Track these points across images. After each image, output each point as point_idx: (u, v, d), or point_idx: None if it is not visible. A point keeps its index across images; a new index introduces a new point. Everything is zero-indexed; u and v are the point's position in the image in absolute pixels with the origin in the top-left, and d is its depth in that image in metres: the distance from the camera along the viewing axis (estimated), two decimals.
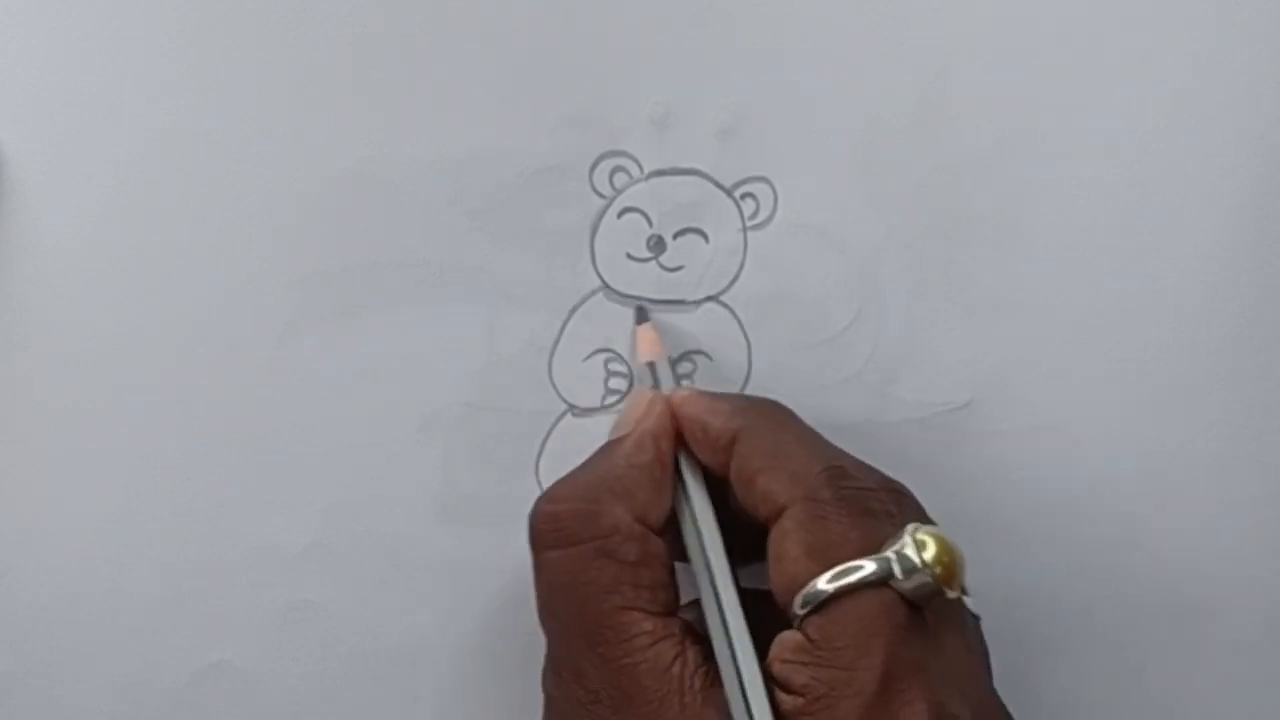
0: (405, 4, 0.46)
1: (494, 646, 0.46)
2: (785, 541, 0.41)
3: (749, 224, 0.47)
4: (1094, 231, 0.47)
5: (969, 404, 0.47)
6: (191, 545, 0.46)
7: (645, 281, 0.47)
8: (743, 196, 0.47)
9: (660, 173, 0.47)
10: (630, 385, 0.47)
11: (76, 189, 0.45)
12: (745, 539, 0.42)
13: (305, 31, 0.46)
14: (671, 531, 0.43)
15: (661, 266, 0.47)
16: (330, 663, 0.46)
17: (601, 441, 0.45)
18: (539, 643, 0.43)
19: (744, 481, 0.42)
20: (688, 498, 0.43)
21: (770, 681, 0.40)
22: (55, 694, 0.46)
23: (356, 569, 0.46)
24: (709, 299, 0.47)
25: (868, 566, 0.39)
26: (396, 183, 0.46)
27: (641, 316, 0.47)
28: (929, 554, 0.39)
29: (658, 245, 0.47)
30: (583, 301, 0.47)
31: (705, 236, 0.47)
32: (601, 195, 0.47)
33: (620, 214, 0.47)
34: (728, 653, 0.41)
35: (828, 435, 0.44)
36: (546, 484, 0.46)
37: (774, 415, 0.44)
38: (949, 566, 0.40)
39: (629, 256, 0.47)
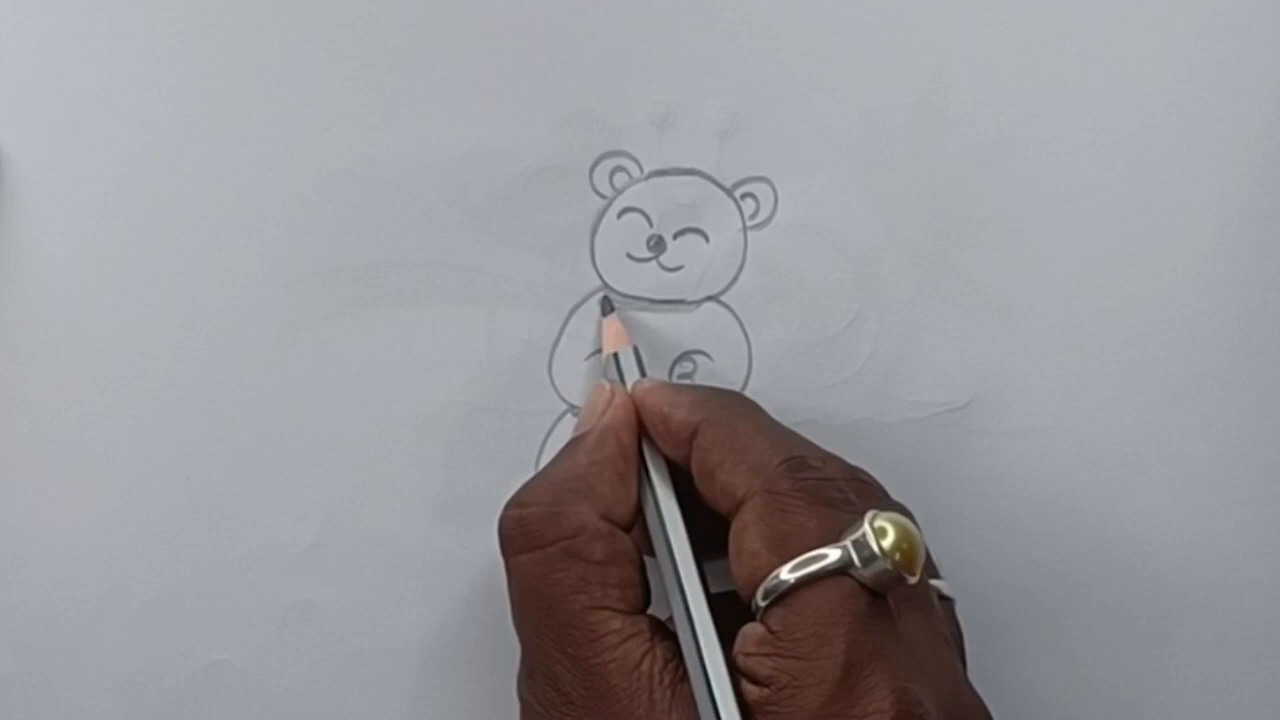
0: (405, 4, 0.46)
1: (494, 646, 0.46)
2: (745, 534, 0.41)
3: (749, 224, 0.47)
4: (1094, 231, 0.47)
5: (969, 404, 0.47)
6: (191, 545, 0.46)
7: (645, 281, 0.47)
8: (743, 196, 0.47)
9: (660, 173, 0.47)
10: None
11: (76, 189, 0.45)
12: (715, 532, 0.42)
13: (305, 31, 0.46)
14: (641, 527, 0.43)
15: (661, 266, 0.47)
16: (330, 663, 0.46)
17: None
18: None
19: (704, 474, 0.42)
20: (652, 491, 0.43)
21: (736, 674, 0.40)
22: (55, 694, 0.46)
23: (356, 569, 0.46)
24: (709, 299, 0.47)
25: (830, 555, 0.39)
26: (396, 183, 0.46)
27: (607, 308, 0.46)
28: (888, 541, 0.39)
29: (658, 245, 0.47)
30: (583, 301, 0.47)
31: (705, 236, 0.47)
32: (601, 195, 0.47)
33: (620, 214, 0.47)
34: (693, 647, 0.41)
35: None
36: None
37: (735, 407, 0.43)
38: (908, 553, 0.39)
39: (629, 256, 0.47)
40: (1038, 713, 0.48)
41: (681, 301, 0.47)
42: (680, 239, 0.47)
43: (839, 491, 0.41)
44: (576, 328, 0.47)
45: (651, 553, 0.43)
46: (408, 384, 0.46)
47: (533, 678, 0.42)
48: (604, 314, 0.46)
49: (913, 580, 0.40)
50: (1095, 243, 0.47)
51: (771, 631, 0.39)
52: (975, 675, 0.42)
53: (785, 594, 0.39)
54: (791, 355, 0.47)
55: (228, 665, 0.46)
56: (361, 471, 0.46)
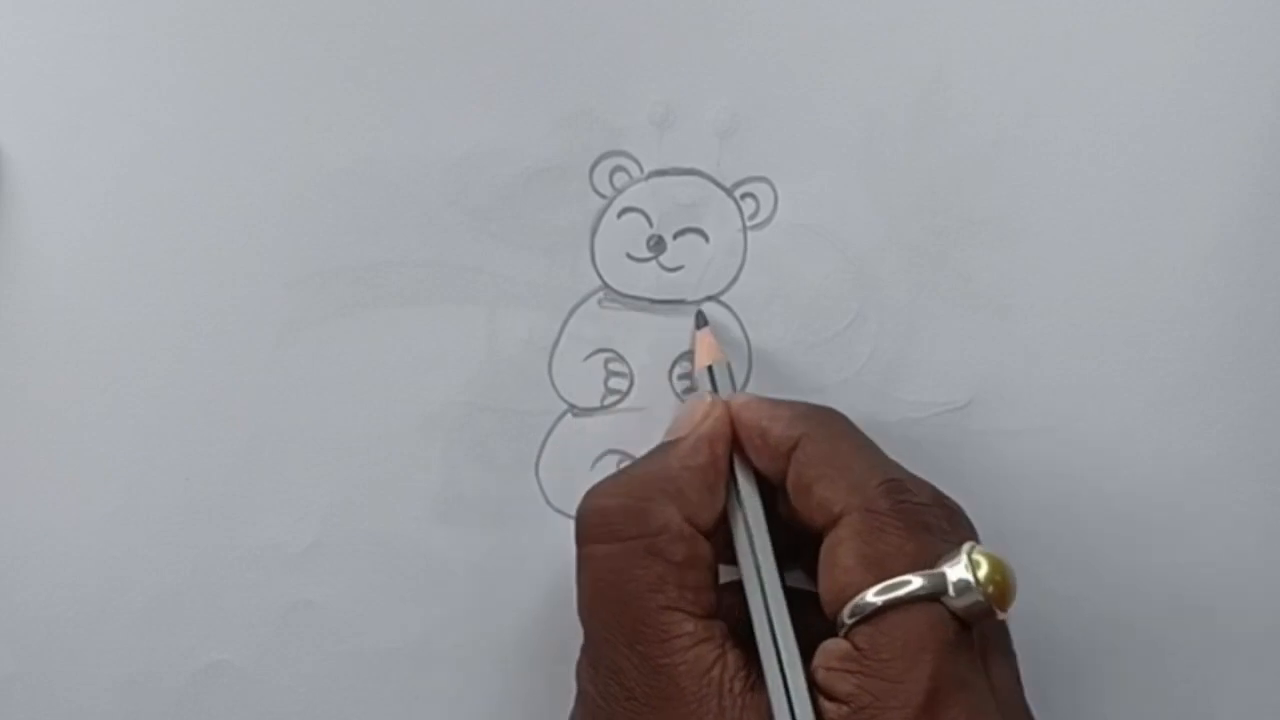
0: (405, 4, 0.46)
1: (494, 646, 0.46)
2: (839, 549, 0.41)
3: (749, 224, 0.47)
4: (1094, 231, 0.47)
5: (969, 404, 0.47)
6: (191, 545, 0.46)
7: (645, 281, 0.47)
8: (743, 196, 0.47)
9: (660, 173, 0.47)
10: (630, 385, 0.47)
11: (76, 189, 0.45)
12: (788, 546, 0.43)
13: (305, 31, 0.46)
14: (717, 536, 0.43)
15: (661, 266, 0.47)
16: (330, 663, 0.46)
17: (602, 441, 0.45)
18: (540, 641, 0.43)
19: (801, 488, 0.42)
20: (741, 502, 0.43)
21: (813, 688, 0.40)
22: (55, 694, 0.46)
23: (356, 569, 0.46)
24: (709, 299, 0.47)
25: (919, 581, 0.40)
26: (396, 183, 0.46)
27: (701, 321, 0.47)
28: (983, 573, 0.40)
29: (658, 245, 0.47)
30: (583, 301, 0.47)
31: (705, 236, 0.47)
32: (601, 195, 0.47)
33: (620, 214, 0.47)
34: (774, 657, 0.41)
35: None
36: (546, 484, 0.46)
37: (834, 424, 0.44)
38: (1000, 585, 0.40)
39: (629, 256, 0.47)
40: (1044, 714, 0.48)
41: (681, 301, 0.47)
42: (680, 239, 0.47)
43: (934, 518, 0.41)
44: (576, 328, 0.47)
45: (725, 562, 0.43)
46: (408, 384, 0.46)
47: (595, 668, 0.42)
48: (697, 327, 0.46)
49: (1003, 616, 0.40)
50: (1095, 243, 0.47)
51: (857, 649, 0.40)
52: None
53: (873, 614, 0.40)
54: (791, 355, 0.47)
55: (228, 665, 0.46)
56: (361, 471, 0.46)
